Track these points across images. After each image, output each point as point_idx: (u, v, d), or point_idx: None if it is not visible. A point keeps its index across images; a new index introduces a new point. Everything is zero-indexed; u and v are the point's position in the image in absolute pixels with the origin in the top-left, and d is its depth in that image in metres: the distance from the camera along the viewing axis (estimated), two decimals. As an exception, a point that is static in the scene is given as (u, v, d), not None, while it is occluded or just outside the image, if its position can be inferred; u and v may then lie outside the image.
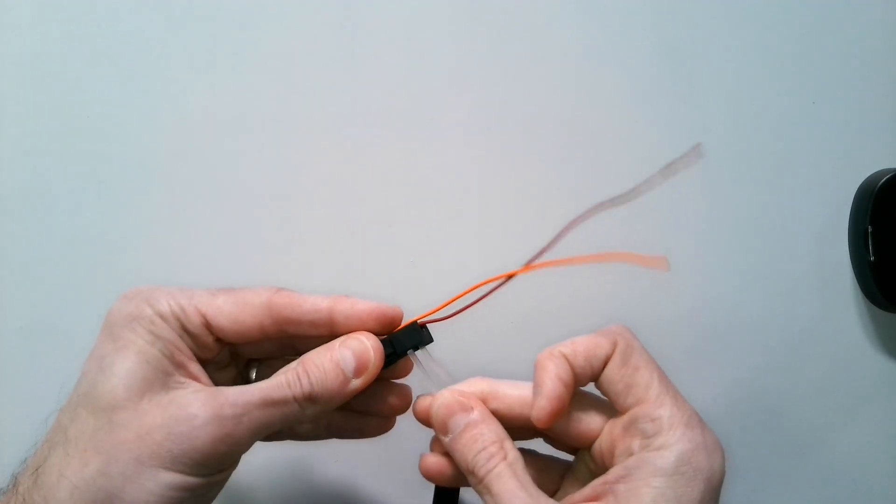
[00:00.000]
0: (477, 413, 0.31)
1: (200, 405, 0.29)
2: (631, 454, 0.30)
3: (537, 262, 0.34)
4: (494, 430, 0.31)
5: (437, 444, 0.33)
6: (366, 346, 0.31)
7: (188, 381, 0.30)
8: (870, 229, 0.40)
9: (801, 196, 0.42)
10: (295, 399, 0.30)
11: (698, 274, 0.42)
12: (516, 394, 0.32)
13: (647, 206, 0.42)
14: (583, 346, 0.32)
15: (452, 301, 0.33)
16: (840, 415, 0.42)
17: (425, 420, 0.32)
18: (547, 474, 0.34)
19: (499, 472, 0.30)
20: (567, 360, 0.31)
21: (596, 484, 0.30)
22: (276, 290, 0.31)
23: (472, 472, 0.30)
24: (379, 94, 0.43)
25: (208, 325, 0.31)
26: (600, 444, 0.32)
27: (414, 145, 0.43)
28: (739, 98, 0.42)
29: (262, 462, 0.41)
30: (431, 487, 0.34)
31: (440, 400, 0.32)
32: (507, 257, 0.42)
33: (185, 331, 0.31)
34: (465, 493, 0.41)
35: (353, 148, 0.43)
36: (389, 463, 0.42)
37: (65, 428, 0.30)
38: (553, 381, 0.31)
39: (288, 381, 0.30)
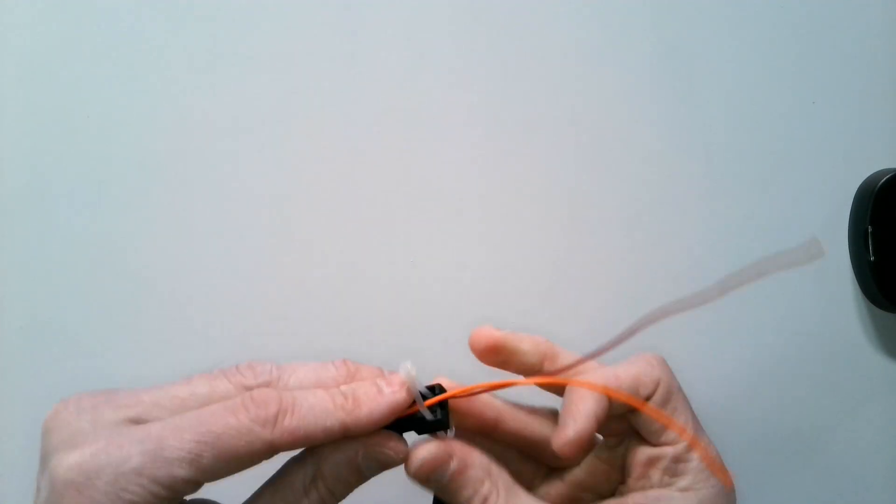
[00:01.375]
0: (455, 462, 0.29)
1: None
2: (650, 484, 0.31)
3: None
4: (480, 467, 0.29)
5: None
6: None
7: None
8: (870, 229, 0.40)
9: (801, 196, 0.42)
10: None
11: (698, 274, 0.42)
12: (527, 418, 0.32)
13: (648, 206, 0.42)
14: (626, 384, 0.31)
15: (472, 391, 0.30)
16: (840, 415, 0.42)
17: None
18: (527, 465, 0.34)
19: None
20: (608, 396, 0.30)
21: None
22: (273, 423, 0.26)
23: None
24: (379, 94, 0.43)
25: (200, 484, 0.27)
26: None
27: (415, 145, 0.43)
28: (739, 98, 0.42)
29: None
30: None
31: (414, 463, 0.29)
32: (507, 257, 0.42)
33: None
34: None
35: (354, 148, 0.43)
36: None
37: None
38: (588, 419, 0.29)
39: None
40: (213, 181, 0.43)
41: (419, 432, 0.29)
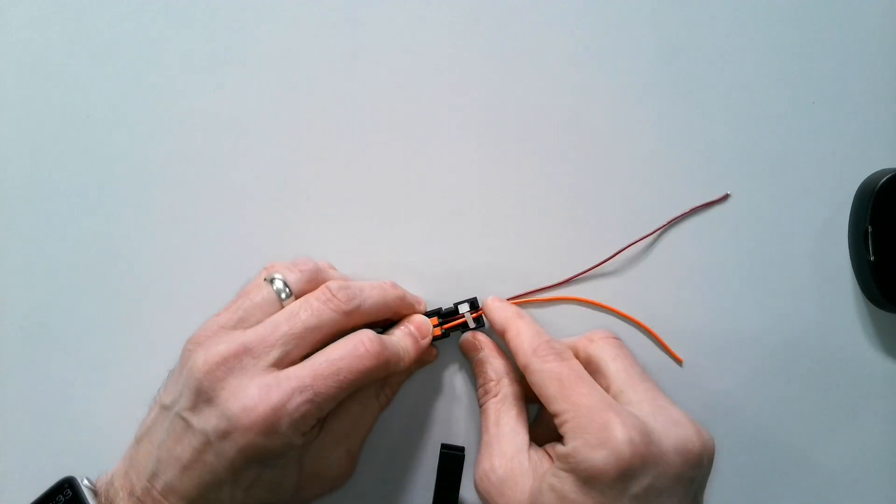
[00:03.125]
0: (482, 353, 0.40)
1: (341, 470, 0.37)
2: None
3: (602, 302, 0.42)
4: (495, 369, 0.39)
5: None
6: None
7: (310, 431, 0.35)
8: (870, 229, 0.40)
9: (801, 196, 0.42)
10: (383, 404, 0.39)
11: (698, 274, 0.42)
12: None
13: (648, 206, 0.42)
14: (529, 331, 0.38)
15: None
16: (840, 415, 0.42)
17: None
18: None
19: (485, 408, 0.39)
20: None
21: (553, 445, 0.35)
22: (382, 352, 0.36)
23: (477, 397, 0.40)
24: (379, 94, 0.43)
25: None
26: None
27: (415, 145, 0.43)
28: (739, 98, 0.42)
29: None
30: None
31: (461, 339, 0.41)
32: (507, 257, 0.42)
33: None
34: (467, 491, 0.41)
35: (354, 147, 0.43)
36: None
37: None
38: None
39: (386, 400, 0.40)
40: (212, 181, 0.43)
41: (463, 332, 0.41)
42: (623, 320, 0.42)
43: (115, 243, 0.43)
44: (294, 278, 0.37)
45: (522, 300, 0.42)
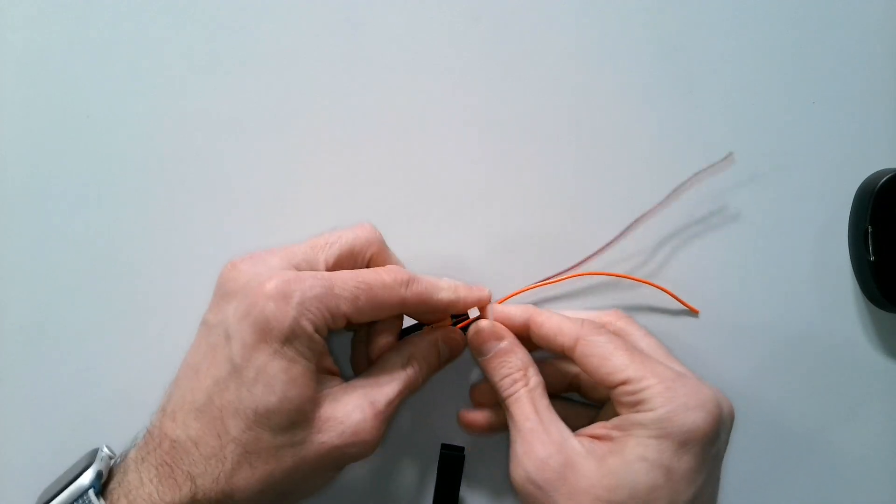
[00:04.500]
0: (506, 342, 0.37)
1: (362, 419, 0.34)
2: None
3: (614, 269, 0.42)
4: (521, 358, 0.37)
5: (475, 394, 0.41)
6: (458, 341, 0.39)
7: (331, 378, 0.35)
8: (870, 229, 0.40)
9: (801, 196, 0.42)
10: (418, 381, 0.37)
11: (698, 274, 0.42)
12: (554, 324, 0.37)
13: (646, 206, 0.42)
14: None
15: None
16: (840, 415, 0.42)
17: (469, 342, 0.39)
18: (576, 418, 0.38)
19: (517, 397, 0.36)
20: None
21: (602, 426, 0.35)
22: (406, 285, 0.35)
23: (498, 393, 0.37)
24: (379, 94, 0.43)
25: (348, 324, 0.34)
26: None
27: (416, 145, 0.43)
28: (739, 98, 0.42)
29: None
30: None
31: (478, 327, 0.38)
32: (507, 256, 0.42)
33: (331, 333, 0.34)
34: (469, 489, 0.41)
35: (355, 147, 0.43)
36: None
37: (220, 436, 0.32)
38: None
39: (414, 374, 0.37)
40: (213, 181, 0.43)
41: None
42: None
43: (115, 243, 0.43)
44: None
45: (534, 286, 0.41)
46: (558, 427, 0.35)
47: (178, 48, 0.43)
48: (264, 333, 0.32)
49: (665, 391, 0.33)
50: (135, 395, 0.40)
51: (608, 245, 0.41)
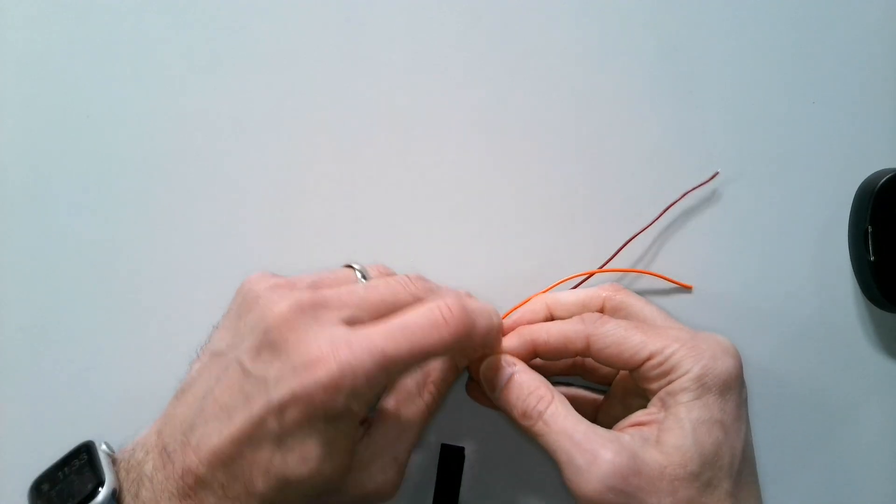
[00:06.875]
0: (519, 366, 0.36)
1: (386, 479, 0.34)
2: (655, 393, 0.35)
3: (609, 265, 0.42)
4: (537, 377, 0.36)
5: (471, 389, 0.40)
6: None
7: (359, 430, 0.35)
8: (870, 229, 0.40)
9: (801, 196, 0.42)
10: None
11: (698, 274, 0.42)
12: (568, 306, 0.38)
13: (647, 206, 0.42)
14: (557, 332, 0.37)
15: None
16: (840, 414, 0.42)
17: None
18: (581, 409, 0.37)
19: (554, 410, 0.34)
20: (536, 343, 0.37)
21: (639, 415, 0.35)
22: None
23: (527, 415, 0.35)
24: (380, 94, 0.43)
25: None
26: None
27: (416, 145, 0.43)
28: (739, 98, 0.42)
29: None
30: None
31: (485, 363, 0.36)
32: (507, 256, 0.42)
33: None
34: (469, 487, 0.41)
35: (355, 148, 0.43)
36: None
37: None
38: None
39: (431, 401, 0.37)
40: (213, 181, 0.43)
41: None
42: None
43: (115, 243, 0.43)
44: (374, 273, 0.38)
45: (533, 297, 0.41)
46: (604, 429, 0.34)
47: (178, 48, 0.43)
48: (311, 416, 0.30)
49: (691, 351, 0.34)
50: (135, 395, 0.40)
51: (609, 261, 0.42)
